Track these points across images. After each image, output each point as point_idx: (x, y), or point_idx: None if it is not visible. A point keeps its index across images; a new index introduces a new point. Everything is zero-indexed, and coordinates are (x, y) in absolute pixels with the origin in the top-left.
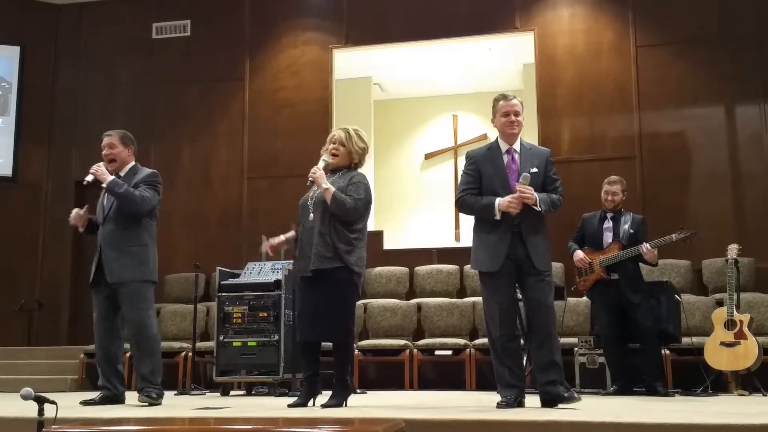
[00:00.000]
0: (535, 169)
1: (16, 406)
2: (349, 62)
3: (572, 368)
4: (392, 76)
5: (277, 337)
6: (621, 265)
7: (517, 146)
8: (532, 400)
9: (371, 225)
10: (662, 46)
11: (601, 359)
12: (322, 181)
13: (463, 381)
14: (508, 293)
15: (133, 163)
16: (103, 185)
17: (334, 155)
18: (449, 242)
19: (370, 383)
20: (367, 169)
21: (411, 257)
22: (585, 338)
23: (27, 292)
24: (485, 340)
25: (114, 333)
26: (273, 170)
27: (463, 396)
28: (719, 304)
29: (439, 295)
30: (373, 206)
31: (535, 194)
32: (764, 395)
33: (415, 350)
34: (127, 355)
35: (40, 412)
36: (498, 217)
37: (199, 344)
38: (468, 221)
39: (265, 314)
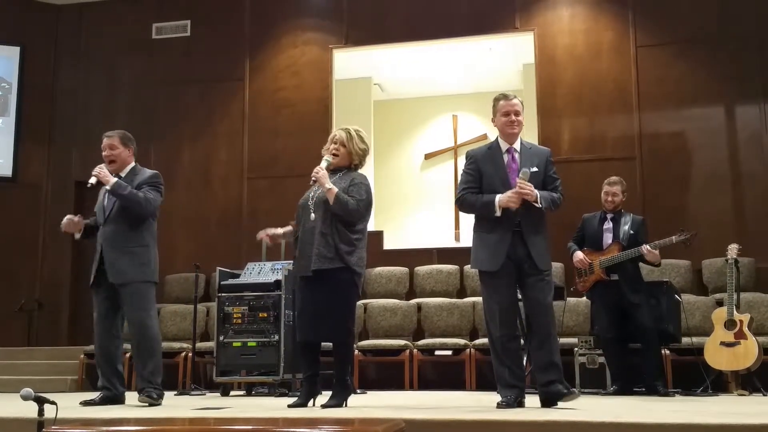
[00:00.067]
0: (535, 169)
1: (16, 406)
2: (349, 62)
3: (572, 368)
4: (392, 76)
5: (277, 337)
6: (621, 266)
7: (517, 146)
8: (532, 401)
9: (371, 225)
10: (662, 46)
11: (601, 359)
12: (325, 181)
13: (463, 381)
14: (508, 293)
15: (133, 163)
16: (107, 187)
17: (334, 155)
18: (449, 242)
19: (370, 383)
20: (367, 170)
21: (411, 257)
22: (585, 338)
23: (27, 292)
24: (485, 341)
25: (114, 333)
26: (273, 170)
27: (463, 396)
28: (719, 304)
29: (439, 295)
30: (373, 206)
31: (536, 191)
32: (764, 395)
33: (415, 350)
34: (127, 355)
35: (40, 412)
36: (498, 213)
37: (199, 344)
38: (468, 221)
39: (265, 314)
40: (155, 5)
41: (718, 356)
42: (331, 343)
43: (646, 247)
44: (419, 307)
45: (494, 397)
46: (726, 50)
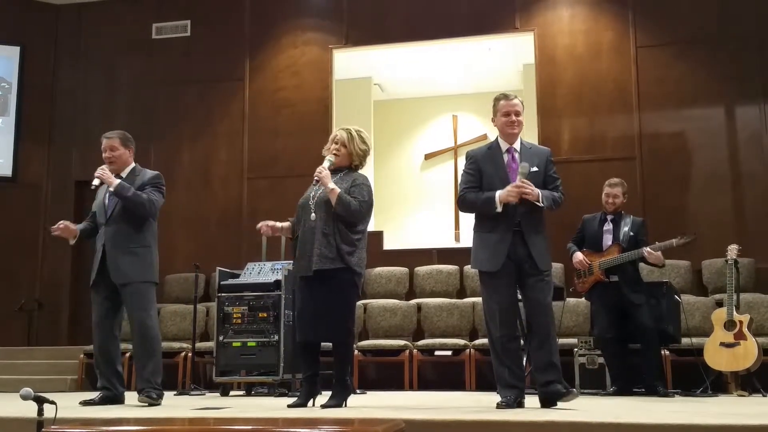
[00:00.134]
0: (535, 168)
1: (15, 406)
2: (349, 62)
3: (572, 369)
4: (392, 76)
5: (276, 337)
6: (620, 268)
7: (517, 145)
8: (532, 401)
9: (371, 225)
10: (662, 46)
11: (601, 360)
12: (328, 181)
13: (462, 381)
14: (508, 293)
15: (133, 164)
16: (111, 189)
17: (335, 156)
18: (449, 242)
19: (369, 383)
20: (367, 170)
21: (411, 257)
22: (585, 339)
23: (27, 292)
24: (485, 341)
25: (114, 333)
26: (273, 170)
27: (462, 396)
28: (719, 304)
29: (439, 295)
30: (373, 207)
31: (537, 190)
32: (764, 396)
33: (414, 350)
34: (127, 355)
35: (40, 412)
36: (499, 209)
37: (198, 344)
38: (468, 221)
39: (265, 314)
40: (155, 5)
41: (718, 357)
42: (330, 344)
43: (646, 250)
44: (419, 307)
45: (494, 398)
46: (726, 50)
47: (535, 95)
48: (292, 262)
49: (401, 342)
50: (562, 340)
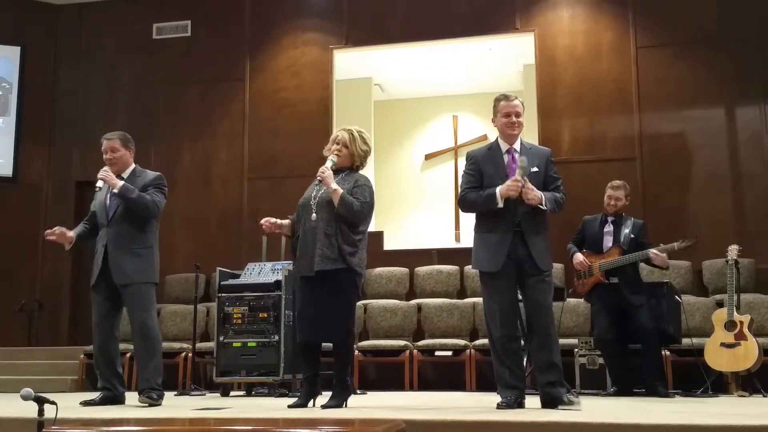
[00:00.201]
0: (535, 169)
1: (16, 406)
2: (350, 63)
3: (572, 369)
4: (392, 76)
5: (277, 337)
6: (621, 269)
7: (517, 146)
8: (533, 401)
9: (371, 226)
10: (662, 46)
11: (601, 360)
12: (330, 182)
13: (463, 382)
14: (508, 294)
15: (133, 165)
16: (114, 191)
17: (337, 156)
18: (449, 243)
19: (370, 384)
20: (367, 170)
21: (411, 258)
22: (585, 339)
23: (27, 292)
24: (485, 341)
25: (113, 334)
26: (273, 171)
27: (463, 397)
28: (719, 305)
29: (439, 295)
30: (374, 208)
31: (540, 193)
32: (764, 396)
33: (415, 351)
34: (128, 355)
35: (40, 412)
36: (501, 204)
37: (199, 345)
38: (468, 222)
39: (265, 315)
40: (155, 5)
41: (719, 357)
42: (331, 344)
43: (653, 251)
44: (419, 307)
45: (494, 398)
46: (726, 50)
47: (535, 96)
48: (292, 262)
49: (401, 342)
50: (562, 341)
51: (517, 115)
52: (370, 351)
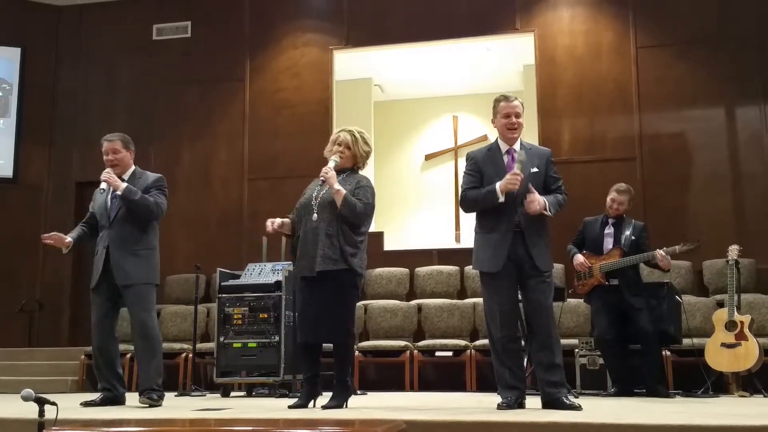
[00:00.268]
0: (536, 169)
1: (16, 407)
2: (350, 63)
3: (573, 369)
4: (392, 77)
5: (277, 338)
6: (621, 271)
7: (517, 147)
8: (533, 402)
9: (371, 226)
10: (662, 46)
11: (602, 360)
12: (334, 182)
13: (463, 382)
14: (509, 294)
15: (133, 167)
16: (118, 193)
17: (340, 157)
18: (449, 243)
19: (370, 384)
20: (367, 171)
21: (411, 258)
22: (585, 339)
23: (28, 293)
24: (486, 342)
25: (113, 334)
26: (273, 171)
27: (463, 397)
28: (720, 305)
29: (440, 296)
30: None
31: (542, 200)
32: (765, 396)
33: (415, 351)
34: (128, 356)
35: (41, 413)
36: (502, 199)
37: (199, 345)
38: (468, 222)
39: (266, 315)
40: (155, 6)
41: (719, 357)
42: (331, 344)
43: (661, 252)
44: (419, 308)
45: (495, 399)
46: (726, 50)
47: (535, 96)
48: (291, 263)
49: (402, 343)
50: (562, 341)
51: (517, 115)
52: (371, 351)
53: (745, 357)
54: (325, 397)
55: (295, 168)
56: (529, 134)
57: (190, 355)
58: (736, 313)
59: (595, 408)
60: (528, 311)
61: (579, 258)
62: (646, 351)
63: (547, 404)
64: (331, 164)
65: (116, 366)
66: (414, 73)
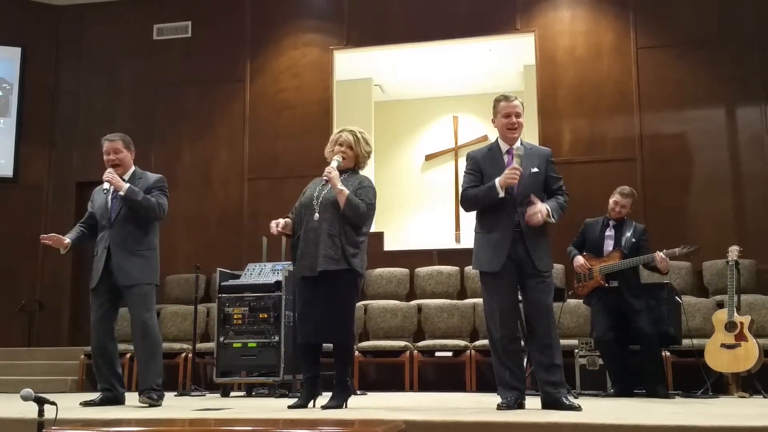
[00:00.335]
0: (536, 169)
1: (16, 406)
2: (350, 64)
3: (572, 370)
4: (393, 77)
5: (277, 338)
6: (621, 273)
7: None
8: (533, 402)
9: (371, 226)
10: (663, 47)
11: (601, 361)
12: (337, 182)
13: (463, 382)
14: (509, 294)
15: (133, 167)
16: (120, 193)
17: (342, 157)
18: (450, 243)
19: (370, 385)
20: (367, 171)
21: (411, 258)
22: (585, 340)
23: (27, 292)
24: (486, 342)
25: (112, 334)
26: (273, 171)
27: (463, 398)
28: (720, 305)
29: (440, 296)
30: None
31: (545, 207)
32: (765, 397)
33: (415, 352)
34: (127, 356)
35: (41, 413)
36: (502, 194)
37: (199, 345)
38: (468, 222)
39: (266, 315)
40: (156, 6)
41: (719, 358)
42: (331, 345)
43: (661, 254)
44: (419, 308)
45: (494, 399)
46: (726, 51)
47: (535, 96)
48: (291, 263)
49: (402, 343)
50: (562, 341)
51: (517, 115)
52: (371, 352)
53: (745, 358)
54: (324, 398)
55: (296, 168)
56: (530, 135)
57: (190, 355)
58: (735, 313)
59: (594, 408)
60: (528, 311)
61: (579, 260)
62: (646, 352)
63: (546, 405)
64: (334, 164)
65: (115, 366)
66: (414, 73)
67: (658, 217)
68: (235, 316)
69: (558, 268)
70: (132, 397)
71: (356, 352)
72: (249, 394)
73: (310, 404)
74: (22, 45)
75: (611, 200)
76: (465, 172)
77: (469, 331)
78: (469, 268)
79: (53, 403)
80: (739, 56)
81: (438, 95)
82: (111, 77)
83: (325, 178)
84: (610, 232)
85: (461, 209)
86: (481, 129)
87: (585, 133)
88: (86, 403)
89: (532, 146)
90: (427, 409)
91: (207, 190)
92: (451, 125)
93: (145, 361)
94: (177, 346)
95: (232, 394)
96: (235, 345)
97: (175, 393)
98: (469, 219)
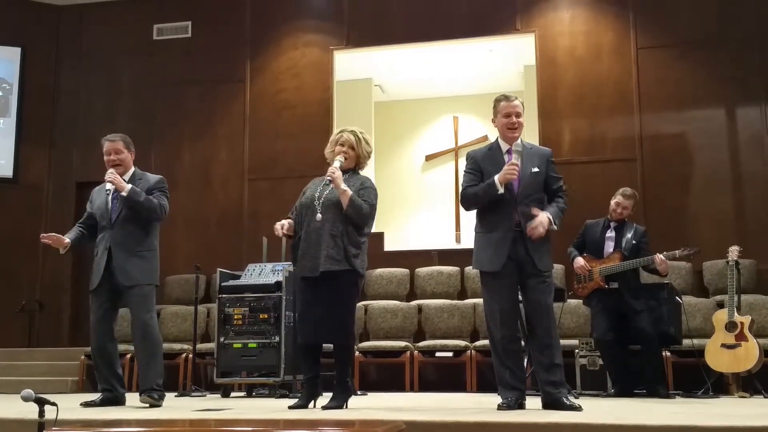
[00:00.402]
0: (536, 169)
1: (16, 407)
2: (350, 64)
3: (573, 370)
4: (393, 77)
5: (277, 338)
6: (621, 274)
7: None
8: (533, 402)
9: (373, 227)
10: (663, 47)
11: (602, 361)
12: (341, 183)
13: (463, 383)
14: (509, 294)
15: (133, 168)
16: (123, 194)
17: (344, 158)
18: (450, 244)
19: (370, 385)
20: (367, 171)
21: (412, 259)
22: (585, 340)
23: (28, 293)
24: (486, 342)
25: (112, 335)
26: (273, 172)
27: (463, 398)
28: (720, 306)
29: (440, 296)
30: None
31: (545, 218)
32: (765, 397)
33: (415, 352)
34: (128, 356)
35: (41, 413)
36: (501, 190)
37: (199, 346)
38: (469, 222)
39: (266, 316)
40: (156, 6)
41: (719, 358)
42: (331, 345)
43: (659, 256)
44: (420, 308)
45: (495, 399)
46: (726, 51)
47: (535, 96)
48: (291, 263)
49: (402, 343)
50: (562, 342)
51: (518, 115)
52: (371, 352)
53: (745, 358)
54: (325, 398)
55: (296, 168)
56: (530, 135)
57: (190, 356)
58: (736, 313)
59: (595, 408)
60: (528, 311)
61: (579, 261)
62: (646, 352)
63: (547, 405)
64: (337, 164)
65: (115, 366)
66: (414, 73)
67: (658, 217)
68: (236, 317)
69: (558, 268)
70: (133, 398)
71: (356, 353)
72: (249, 395)
73: (311, 405)
74: (22, 45)
75: (613, 201)
76: (465, 171)
77: (470, 331)
78: (469, 269)
79: (54, 404)
80: (739, 56)
81: (438, 95)
82: (111, 77)
83: (328, 178)
84: (610, 234)
85: (461, 209)
86: (482, 129)
87: (585, 134)
88: (87, 404)
89: (532, 146)
90: (427, 409)
91: (207, 190)
92: (451, 125)
93: (146, 362)
94: (177, 346)
95: (233, 394)
96: (235, 345)
97: (176, 393)
98: (469, 219)
